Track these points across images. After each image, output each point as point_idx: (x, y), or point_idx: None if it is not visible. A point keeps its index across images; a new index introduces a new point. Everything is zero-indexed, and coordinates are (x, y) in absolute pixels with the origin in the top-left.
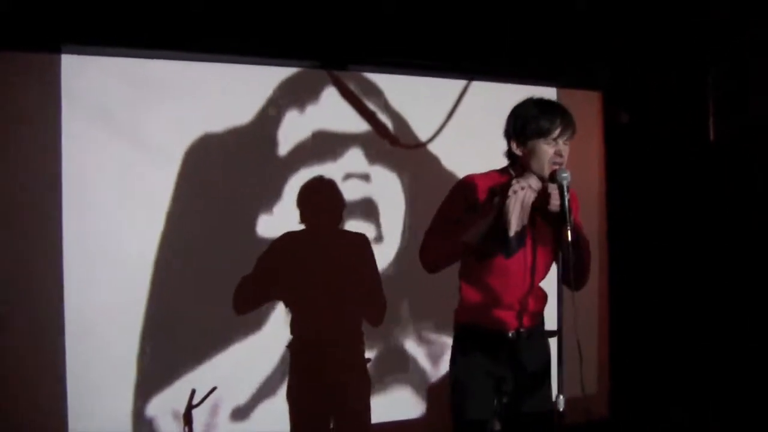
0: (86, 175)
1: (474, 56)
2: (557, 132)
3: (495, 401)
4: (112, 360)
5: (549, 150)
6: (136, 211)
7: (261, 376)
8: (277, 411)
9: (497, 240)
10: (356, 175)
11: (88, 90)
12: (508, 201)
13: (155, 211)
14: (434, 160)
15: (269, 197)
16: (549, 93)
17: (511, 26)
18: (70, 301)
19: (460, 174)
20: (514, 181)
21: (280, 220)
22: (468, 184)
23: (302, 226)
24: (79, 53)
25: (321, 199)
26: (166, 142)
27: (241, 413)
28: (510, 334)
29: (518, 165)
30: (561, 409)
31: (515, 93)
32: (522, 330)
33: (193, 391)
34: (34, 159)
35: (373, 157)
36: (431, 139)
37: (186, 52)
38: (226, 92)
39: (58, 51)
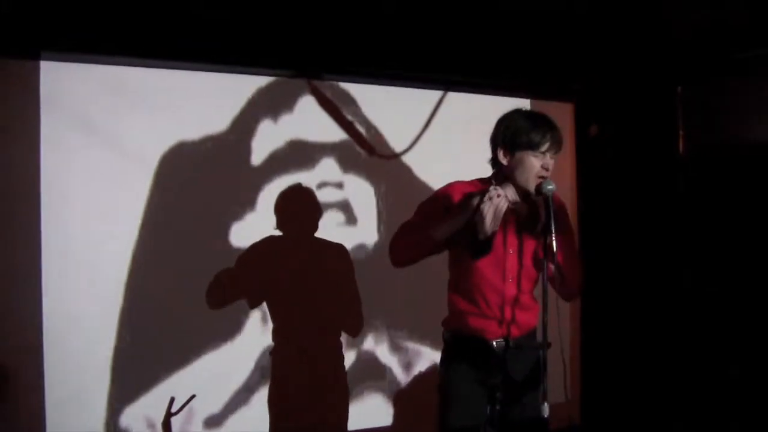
0: (65, 182)
1: (449, 67)
2: (546, 146)
3: (487, 409)
4: (89, 369)
5: (536, 163)
6: (116, 218)
7: (235, 384)
8: (251, 419)
9: (467, 242)
10: (330, 184)
11: (68, 97)
12: (483, 205)
13: (134, 218)
14: (407, 170)
15: (243, 206)
16: (523, 104)
17: (486, 38)
18: (48, 307)
19: (434, 183)
20: (491, 188)
21: (253, 229)
22: (450, 188)
23: (283, 233)
24: (58, 60)
25: (300, 207)
26: (145, 150)
27: (214, 421)
28: (495, 343)
29: (501, 174)
30: (546, 416)
31: (490, 104)
32: (509, 339)
33: (172, 399)
34: (13, 165)
35: (347, 167)
36: (407, 150)
37: (165, 60)
38: (203, 100)
39: (38, 57)
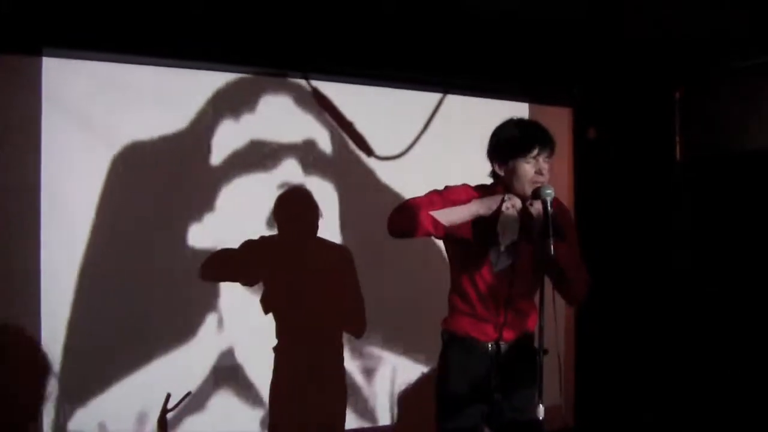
0: (66, 178)
1: (447, 71)
2: (536, 151)
3: (483, 410)
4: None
5: (529, 169)
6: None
7: (191, 386)
8: (204, 423)
9: (488, 251)
10: (291, 185)
11: (69, 93)
12: (502, 216)
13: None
14: (370, 173)
15: (206, 205)
16: (521, 108)
17: (485, 42)
18: (46, 302)
19: (400, 187)
20: (506, 196)
21: (212, 229)
22: (459, 187)
23: (285, 235)
24: (60, 57)
25: (301, 208)
26: (143, 146)
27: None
28: (489, 345)
29: (501, 185)
30: (541, 418)
31: (486, 107)
32: (501, 342)
33: (168, 396)
34: (14, 162)
35: (308, 168)
36: (405, 152)
37: (162, 58)
38: (188, 97)
39: (40, 54)
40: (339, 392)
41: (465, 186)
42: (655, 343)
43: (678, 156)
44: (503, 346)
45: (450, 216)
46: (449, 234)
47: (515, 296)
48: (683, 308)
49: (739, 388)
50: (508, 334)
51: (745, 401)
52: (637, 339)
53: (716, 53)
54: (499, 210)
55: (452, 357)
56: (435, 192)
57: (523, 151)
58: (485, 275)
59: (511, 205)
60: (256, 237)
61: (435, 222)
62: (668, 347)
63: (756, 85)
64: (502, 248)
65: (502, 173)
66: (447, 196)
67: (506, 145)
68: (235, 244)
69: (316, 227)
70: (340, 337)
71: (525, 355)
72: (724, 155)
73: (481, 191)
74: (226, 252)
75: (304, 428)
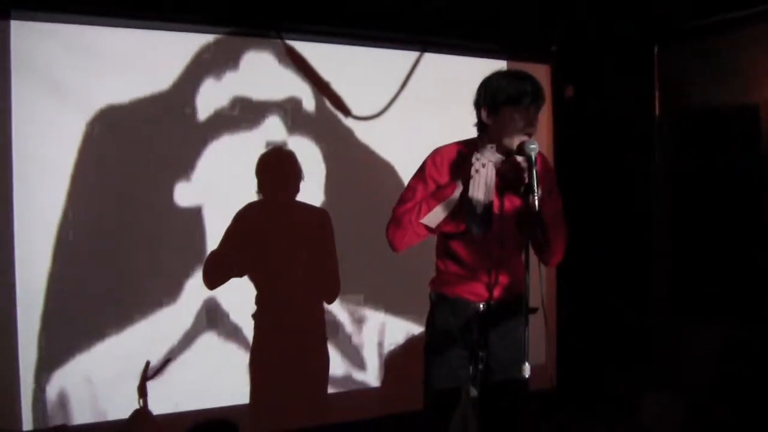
0: (38, 143)
1: (425, 30)
2: (528, 100)
3: (471, 369)
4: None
5: (519, 119)
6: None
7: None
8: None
9: (465, 220)
10: (273, 144)
11: (39, 57)
12: (471, 181)
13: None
14: (350, 133)
15: (186, 166)
16: (499, 66)
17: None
18: (21, 268)
19: (380, 146)
20: (474, 159)
21: (191, 189)
22: (436, 157)
23: (264, 198)
24: (29, 19)
25: (280, 170)
26: (118, 109)
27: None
28: (481, 306)
29: (486, 135)
30: (527, 376)
31: (463, 66)
32: (492, 302)
33: (148, 363)
34: None
35: (292, 126)
36: (384, 111)
37: (135, 20)
38: (163, 59)
39: (8, 17)
40: (320, 355)
41: (441, 151)
42: (634, 302)
43: (657, 112)
44: (493, 305)
45: (438, 216)
46: None
47: (506, 255)
48: (663, 267)
49: (720, 344)
50: (499, 294)
51: (724, 359)
52: (616, 296)
53: (695, 6)
54: (468, 175)
55: (441, 318)
56: (418, 180)
57: (514, 101)
58: (476, 236)
59: (481, 165)
60: (237, 201)
61: (428, 228)
62: (647, 303)
63: (735, 39)
64: (478, 210)
65: (490, 122)
66: (430, 181)
67: (498, 93)
68: (216, 208)
69: (297, 190)
70: (320, 300)
71: (514, 315)
72: (702, 111)
73: (469, 147)
74: (215, 256)
75: (285, 393)
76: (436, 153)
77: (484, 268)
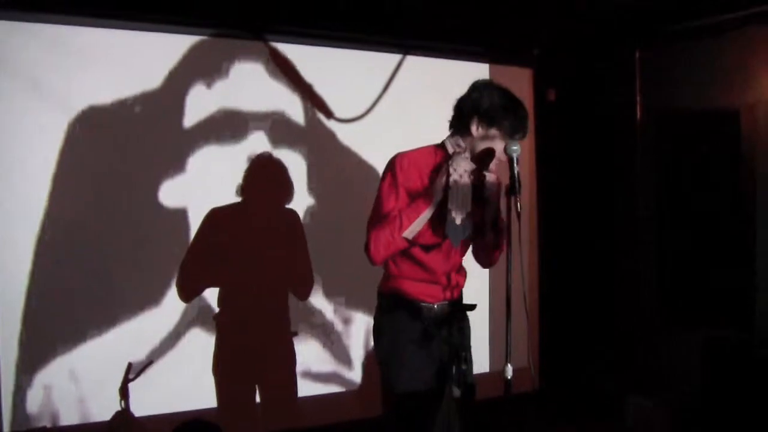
0: (19, 143)
1: (407, 32)
2: (519, 136)
3: (453, 369)
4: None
5: (500, 147)
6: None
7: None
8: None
9: (441, 231)
10: (259, 147)
11: (20, 57)
12: (450, 193)
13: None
14: (333, 135)
15: (173, 164)
16: (482, 69)
17: (445, 2)
18: (2, 271)
19: (362, 148)
20: (451, 170)
21: (174, 188)
22: (402, 162)
23: (234, 200)
24: (9, 19)
25: (264, 174)
26: (99, 109)
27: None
28: (435, 306)
29: (461, 138)
30: (509, 378)
31: (446, 68)
32: (445, 302)
33: (130, 365)
34: None
35: (274, 130)
36: (366, 113)
37: (118, 21)
38: (151, 59)
39: None
40: (289, 361)
41: (405, 157)
42: (619, 302)
43: (638, 115)
44: (446, 305)
45: (416, 228)
46: None
47: (461, 258)
48: (645, 267)
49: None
50: (454, 294)
51: (707, 362)
52: (597, 299)
53: (674, 13)
54: (446, 185)
55: (401, 321)
56: (390, 191)
57: (511, 131)
58: (443, 245)
59: (459, 176)
60: (221, 202)
61: (408, 241)
62: (632, 306)
63: (712, 45)
64: (458, 222)
65: (476, 133)
66: (402, 189)
67: (498, 115)
68: (200, 208)
69: (285, 200)
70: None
71: (461, 312)
72: (683, 114)
73: (437, 154)
74: (184, 270)
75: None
76: (402, 159)
77: (442, 272)
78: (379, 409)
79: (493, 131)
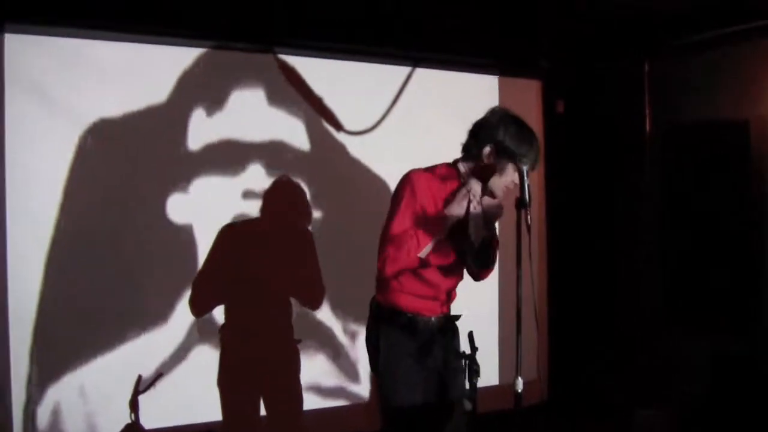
0: (30, 156)
1: (417, 45)
2: (531, 170)
3: (465, 382)
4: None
5: (509, 180)
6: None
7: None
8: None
9: (458, 253)
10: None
11: (32, 70)
12: (471, 221)
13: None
14: (342, 148)
15: (183, 178)
16: (491, 81)
17: (455, 15)
18: (14, 284)
19: (372, 161)
20: (471, 196)
21: (184, 203)
22: (419, 185)
23: (246, 216)
24: (22, 32)
25: (277, 191)
26: (110, 122)
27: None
28: (433, 319)
29: (474, 164)
30: (519, 390)
31: (456, 80)
32: (441, 316)
33: (140, 378)
34: None
35: (283, 143)
36: (374, 127)
37: (127, 34)
38: (162, 72)
39: (2, 31)
40: (295, 374)
41: (427, 176)
42: (627, 312)
43: (648, 127)
44: (442, 318)
45: (429, 248)
46: None
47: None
48: (654, 280)
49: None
50: (448, 308)
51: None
52: (608, 311)
53: (682, 25)
54: (468, 213)
55: (394, 333)
56: (407, 210)
57: (526, 164)
58: (442, 260)
59: (477, 203)
60: (229, 216)
61: (420, 260)
62: (639, 316)
63: (722, 57)
64: (476, 246)
65: (488, 161)
66: (419, 208)
67: (514, 146)
68: (209, 223)
69: (297, 215)
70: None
71: (454, 325)
72: (692, 126)
73: (450, 176)
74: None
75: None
76: (420, 178)
77: (447, 289)
78: None
79: (505, 162)
